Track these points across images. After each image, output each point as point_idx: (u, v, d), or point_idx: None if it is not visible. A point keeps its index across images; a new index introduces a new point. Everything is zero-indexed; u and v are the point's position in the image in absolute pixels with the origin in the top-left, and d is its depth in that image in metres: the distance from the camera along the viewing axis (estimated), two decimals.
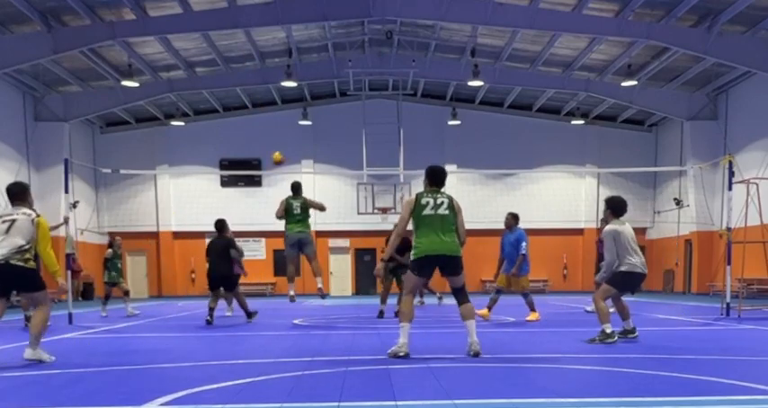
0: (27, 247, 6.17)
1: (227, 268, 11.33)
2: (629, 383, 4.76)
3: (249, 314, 11.38)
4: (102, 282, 14.57)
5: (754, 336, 8.35)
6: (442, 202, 6.34)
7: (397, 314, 11.74)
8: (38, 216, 6.36)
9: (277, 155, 12.42)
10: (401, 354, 6.10)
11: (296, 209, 11.20)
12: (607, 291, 7.65)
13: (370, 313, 13.19)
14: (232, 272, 11.45)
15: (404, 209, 6.46)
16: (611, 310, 8.04)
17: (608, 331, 7.37)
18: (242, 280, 12.31)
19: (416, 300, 15.75)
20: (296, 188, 11.44)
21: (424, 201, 6.33)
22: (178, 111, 26.28)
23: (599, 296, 7.68)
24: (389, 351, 6.22)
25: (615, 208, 7.80)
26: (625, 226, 7.62)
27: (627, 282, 7.68)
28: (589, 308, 12.80)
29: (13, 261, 6.05)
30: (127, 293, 14.04)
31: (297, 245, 10.92)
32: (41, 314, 6.32)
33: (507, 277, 11.00)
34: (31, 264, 6.22)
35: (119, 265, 13.85)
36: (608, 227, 7.71)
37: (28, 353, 6.16)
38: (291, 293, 10.92)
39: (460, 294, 6.39)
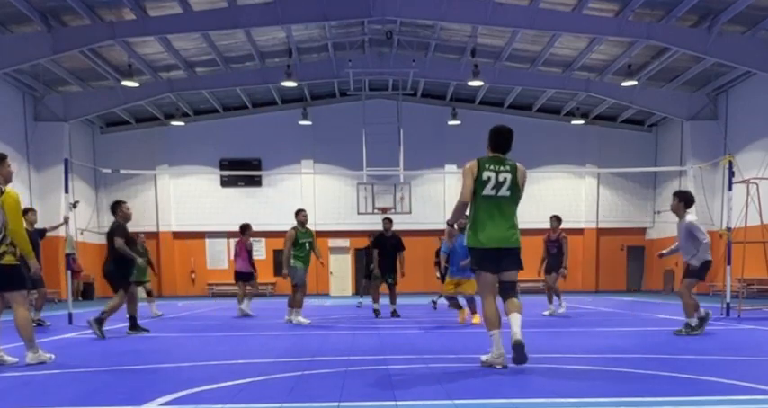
0: (1, 239, 5.59)
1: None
2: (629, 383, 4.76)
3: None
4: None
5: (754, 336, 8.35)
6: (505, 179, 5.40)
7: (393, 314, 11.88)
8: (3, 193, 5.61)
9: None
10: (498, 366, 5.34)
11: (307, 246, 11.53)
12: (692, 284, 8.56)
13: (371, 313, 13.18)
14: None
15: (465, 178, 5.43)
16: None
17: (693, 323, 8.20)
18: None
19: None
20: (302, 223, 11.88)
21: (485, 176, 5.38)
22: (178, 111, 26.28)
23: (686, 289, 8.53)
24: (484, 359, 5.46)
25: (688, 200, 8.75)
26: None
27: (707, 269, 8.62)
28: (546, 312, 12.43)
29: None
30: (150, 293, 13.60)
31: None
32: (20, 316, 5.80)
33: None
34: (8, 259, 5.66)
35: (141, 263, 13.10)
36: (690, 219, 8.68)
37: (29, 357, 5.95)
38: (302, 319, 10.99)
39: (510, 291, 5.52)
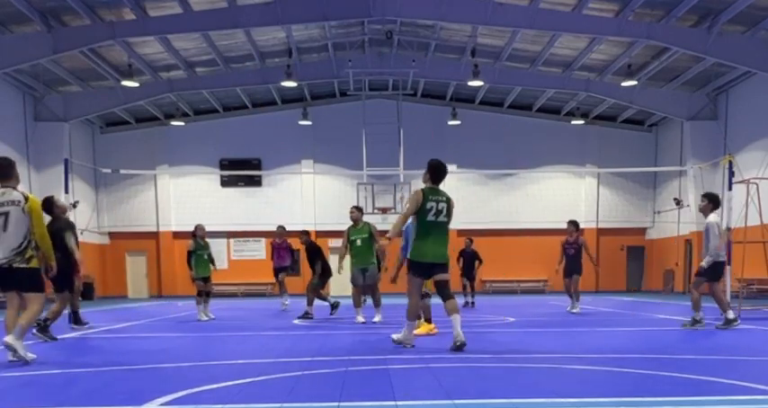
0: (26, 244, 5.98)
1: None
2: (629, 383, 4.76)
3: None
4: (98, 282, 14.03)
5: (754, 336, 8.35)
6: (443, 208, 6.67)
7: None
8: (26, 199, 6.05)
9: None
10: (408, 345, 6.77)
11: (358, 243, 11.15)
12: (699, 282, 9.02)
13: (370, 313, 13.17)
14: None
15: (411, 205, 6.70)
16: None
17: (698, 318, 8.88)
18: (242, 280, 13.12)
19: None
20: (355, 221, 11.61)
21: (428, 206, 6.62)
22: (178, 111, 26.28)
23: (693, 287, 9.11)
24: (395, 337, 6.90)
25: (715, 201, 8.94)
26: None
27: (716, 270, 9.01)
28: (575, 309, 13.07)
29: (15, 265, 5.93)
30: (208, 294, 12.40)
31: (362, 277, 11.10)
32: (32, 312, 6.07)
33: None
34: (34, 263, 6.05)
35: (205, 257, 12.18)
36: (710, 219, 8.89)
37: (9, 338, 5.84)
38: (360, 318, 10.78)
39: (447, 289, 6.80)
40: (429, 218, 6.62)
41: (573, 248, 12.98)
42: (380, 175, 23.69)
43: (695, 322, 9.00)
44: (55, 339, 8.27)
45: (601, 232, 28.23)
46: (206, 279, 12.23)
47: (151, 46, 20.26)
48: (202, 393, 4.44)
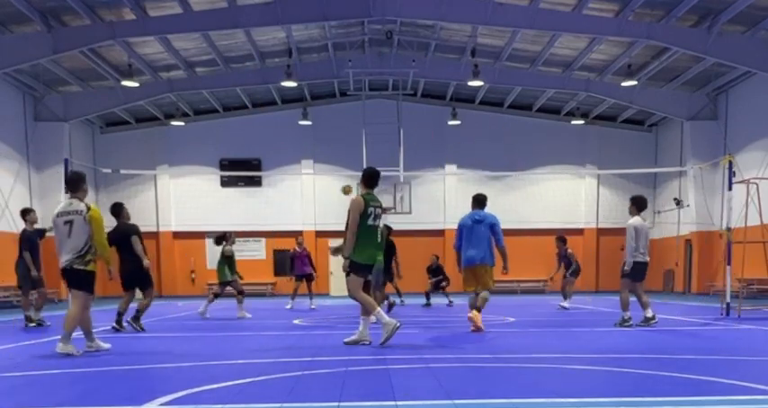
0: (86, 249, 6.69)
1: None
2: (629, 383, 4.76)
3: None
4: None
5: (754, 336, 8.35)
6: (379, 213, 7.25)
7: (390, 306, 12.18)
8: (89, 209, 6.72)
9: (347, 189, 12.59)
10: (366, 342, 7.17)
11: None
12: (624, 284, 9.29)
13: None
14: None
15: (354, 214, 7.12)
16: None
17: (626, 317, 9.14)
18: (242, 280, 13.48)
19: (398, 300, 16.61)
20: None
21: (369, 211, 7.14)
22: (178, 111, 26.27)
23: (621, 288, 9.40)
24: (347, 340, 7.25)
25: (639, 204, 9.30)
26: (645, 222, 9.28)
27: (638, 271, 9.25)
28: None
29: (75, 266, 6.70)
30: (242, 293, 13.04)
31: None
32: (74, 310, 6.78)
33: None
34: (92, 267, 6.78)
35: (234, 259, 13.03)
36: (630, 222, 9.21)
37: (59, 347, 6.63)
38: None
39: (367, 290, 7.43)
40: (370, 223, 7.13)
41: (563, 260, 15.07)
42: (381, 175, 23.66)
43: (624, 321, 9.24)
44: (144, 329, 9.59)
45: (601, 232, 28.23)
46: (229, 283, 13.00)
47: (151, 46, 20.26)
48: (202, 393, 4.45)
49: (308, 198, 27.93)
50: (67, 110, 23.28)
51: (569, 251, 15.17)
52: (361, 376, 5.14)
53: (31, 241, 10.85)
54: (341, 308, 14.67)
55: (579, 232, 28.17)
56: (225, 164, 27.47)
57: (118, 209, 9.69)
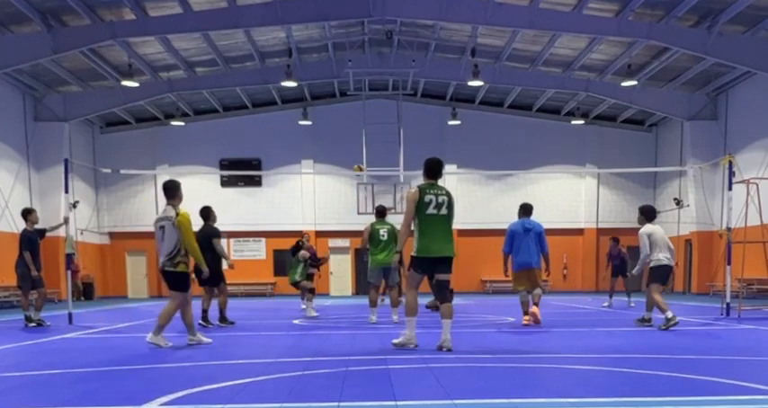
0: (175, 252, 7.18)
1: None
2: (629, 383, 4.76)
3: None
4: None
5: (754, 336, 8.35)
6: (443, 201, 6.58)
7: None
8: (178, 215, 7.19)
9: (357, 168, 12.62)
10: (411, 346, 6.71)
11: (382, 236, 10.56)
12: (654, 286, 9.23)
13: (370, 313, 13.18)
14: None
15: (408, 204, 6.59)
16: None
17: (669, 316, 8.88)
18: (242, 280, 13.22)
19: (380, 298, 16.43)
20: (381, 212, 11.11)
21: (427, 199, 6.53)
22: (178, 111, 26.28)
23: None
24: (396, 341, 6.80)
25: (647, 214, 9.42)
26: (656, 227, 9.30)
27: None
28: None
29: (167, 268, 7.23)
30: (312, 291, 13.27)
31: (381, 274, 10.77)
32: (169, 307, 7.29)
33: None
34: (182, 268, 7.26)
35: (302, 263, 13.11)
36: (644, 228, 9.30)
37: (149, 337, 7.25)
38: (373, 318, 10.60)
39: (445, 291, 6.71)
40: (429, 211, 6.53)
41: (618, 259, 15.65)
42: (380, 175, 23.67)
43: (668, 321, 8.97)
44: (233, 323, 10.53)
45: (601, 232, 28.18)
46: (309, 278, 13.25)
47: (151, 46, 20.26)
48: (202, 393, 4.45)
49: (308, 198, 27.93)
50: (67, 110, 23.28)
51: (623, 250, 15.69)
52: (361, 376, 5.13)
53: (31, 241, 10.86)
54: (342, 308, 14.66)
55: (579, 232, 28.19)
56: (225, 164, 27.47)
57: (206, 213, 10.61)
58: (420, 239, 6.57)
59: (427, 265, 6.64)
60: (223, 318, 10.59)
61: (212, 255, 9.93)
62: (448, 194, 6.69)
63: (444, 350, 6.50)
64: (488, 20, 18.73)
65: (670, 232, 26.10)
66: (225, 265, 10.42)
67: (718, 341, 7.79)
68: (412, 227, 6.66)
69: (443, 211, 6.58)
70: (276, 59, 23.06)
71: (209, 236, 10.18)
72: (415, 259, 6.66)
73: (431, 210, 6.52)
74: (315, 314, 12.68)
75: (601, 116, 27.78)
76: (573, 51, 21.54)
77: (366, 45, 23.51)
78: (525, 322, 9.81)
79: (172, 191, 7.38)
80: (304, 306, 14.76)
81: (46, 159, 22.51)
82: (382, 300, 15.97)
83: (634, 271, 9.70)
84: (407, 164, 23.17)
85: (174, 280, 7.28)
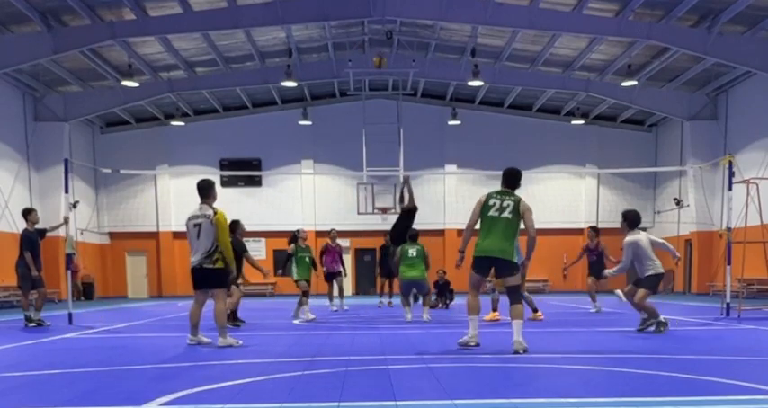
0: (213, 249, 7.21)
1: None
2: (629, 383, 4.76)
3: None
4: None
5: (754, 336, 8.34)
6: (508, 205, 6.69)
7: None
8: (215, 214, 7.23)
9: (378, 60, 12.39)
10: (472, 344, 6.75)
11: (411, 254, 11.36)
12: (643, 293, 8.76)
13: (371, 313, 13.21)
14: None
15: (475, 206, 6.83)
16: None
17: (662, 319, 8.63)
18: (242, 280, 12.98)
19: (386, 300, 16.66)
20: (413, 237, 11.86)
21: (491, 202, 6.73)
22: (178, 111, 26.27)
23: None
24: (460, 341, 6.86)
25: (631, 220, 8.84)
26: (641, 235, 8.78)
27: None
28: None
29: (204, 265, 7.23)
30: (305, 294, 12.31)
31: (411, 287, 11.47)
32: (218, 308, 7.35)
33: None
34: (219, 264, 7.26)
35: (306, 259, 12.35)
36: (628, 237, 8.76)
37: (220, 341, 7.26)
38: (409, 317, 11.12)
39: (513, 294, 6.79)
40: (491, 214, 6.67)
41: (594, 255, 13.62)
42: (380, 175, 23.68)
43: (660, 324, 8.65)
44: (243, 321, 10.59)
45: (601, 232, 28.20)
46: (308, 281, 12.37)
47: (151, 46, 20.26)
48: (202, 393, 4.45)
49: (308, 198, 27.93)
50: (67, 110, 23.28)
51: (603, 244, 13.72)
52: (361, 376, 5.14)
53: (31, 241, 10.86)
54: (344, 308, 14.64)
55: (579, 232, 28.15)
56: (225, 164, 27.47)
57: (233, 226, 10.24)
58: (478, 239, 6.72)
59: (483, 265, 6.71)
60: (234, 317, 10.57)
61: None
62: (517, 201, 6.73)
63: (521, 352, 6.30)
64: (488, 20, 18.73)
65: (670, 232, 26.14)
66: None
67: (718, 341, 7.79)
68: (477, 226, 6.83)
69: (506, 214, 6.65)
70: (276, 59, 23.06)
71: (240, 252, 10.00)
72: (473, 259, 6.75)
73: (492, 213, 6.67)
74: (312, 316, 12.42)
75: (601, 116, 27.78)
76: (573, 51, 21.54)
77: (366, 45, 23.51)
78: (490, 318, 10.51)
79: (206, 190, 7.42)
80: (333, 309, 14.50)
81: (46, 159, 22.51)
82: (390, 304, 16.02)
83: (607, 272, 9.46)
84: (407, 163, 23.20)
85: (215, 277, 7.29)
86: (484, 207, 6.70)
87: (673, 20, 18.10)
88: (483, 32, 20.66)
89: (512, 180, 6.98)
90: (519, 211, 6.66)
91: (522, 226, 6.73)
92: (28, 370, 5.70)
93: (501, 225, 6.61)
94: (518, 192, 6.93)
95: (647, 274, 8.63)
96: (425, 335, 8.55)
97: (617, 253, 10.00)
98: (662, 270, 8.72)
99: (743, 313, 11.42)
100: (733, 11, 16.96)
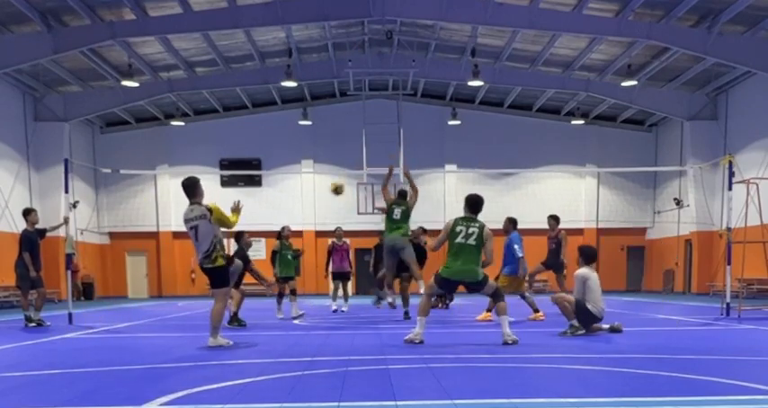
0: (211, 249, 7.15)
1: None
2: (629, 383, 4.76)
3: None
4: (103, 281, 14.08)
5: (754, 336, 8.35)
6: (473, 232, 7.34)
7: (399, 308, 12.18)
8: (210, 211, 7.09)
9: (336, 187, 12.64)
10: (417, 341, 7.25)
11: (396, 215, 11.17)
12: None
13: (371, 313, 13.21)
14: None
15: (442, 231, 7.54)
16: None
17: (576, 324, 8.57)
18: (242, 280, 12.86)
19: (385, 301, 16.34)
20: (401, 194, 11.76)
21: (458, 229, 7.36)
22: (178, 111, 26.27)
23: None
24: (406, 338, 7.38)
25: (587, 256, 8.80)
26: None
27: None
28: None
29: (205, 265, 7.22)
30: (294, 292, 12.49)
31: (393, 252, 11.06)
32: (216, 309, 7.28)
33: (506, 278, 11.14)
34: (219, 262, 7.20)
35: (289, 257, 12.35)
36: (581, 271, 8.66)
37: (210, 341, 7.19)
38: (390, 300, 11.14)
39: (494, 296, 7.64)
40: (458, 241, 7.31)
41: (553, 243, 12.58)
42: (380, 175, 23.59)
43: (572, 327, 8.58)
44: (245, 323, 10.41)
45: (601, 232, 28.23)
46: (289, 279, 12.38)
47: (151, 46, 20.25)
48: (202, 393, 4.45)
49: (308, 198, 27.92)
50: (67, 110, 23.28)
51: (563, 233, 12.55)
52: (361, 376, 5.14)
53: (31, 241, 10.86)
54: (345, 308, 14.64)
55: (579, 232, 28.14)
56: (225, 164, 27.47)
57: (238, 237, 10.54)
58: (447, 261, 7.41)
59: (451, 285, 7.57)
60: (234, 319, 10.55)
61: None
62: (481, 227, 7.39)
63: (510, 342, 7.10)
64: (488, 20, 18.72)
65: (670, 232, 26.18)
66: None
67: (719, 341, 7.79)
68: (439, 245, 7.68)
69: (471, 241, 7.31)
70: (276, 59, 23.06)
71: (244, 263, 9.83)
72: (439, 276, 7.42)
73: (459, 240, 7.31)
74: (301, 312, 12.55)
75: (601, 116, 27.77)
76: (573, 51, 21.54)
77: (366, 45, 23.50)
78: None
79: (192, 189, 7.22)
80: (343, 309, 14.04)
81: (46, 159, 22.51)
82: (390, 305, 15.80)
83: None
84: (407, 163, 23.16)
85: (216, 276, 7.24)
86: (452, 232, 7.36)
87: (673, 20, 18.10)
88: (483, 32, 20.66)
89: (475, 206, 7.57)
90: (483, 237, 7.34)
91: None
92: (28, 370, 5.70)
93: (467, 250, 7.30)
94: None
95: (587, 305, 8.53)
96: (425, 335, 8.54)
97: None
98: (599, 317, 8.62)
99: (743, 313, 11.42)
100: (733, 11, 16.96)
